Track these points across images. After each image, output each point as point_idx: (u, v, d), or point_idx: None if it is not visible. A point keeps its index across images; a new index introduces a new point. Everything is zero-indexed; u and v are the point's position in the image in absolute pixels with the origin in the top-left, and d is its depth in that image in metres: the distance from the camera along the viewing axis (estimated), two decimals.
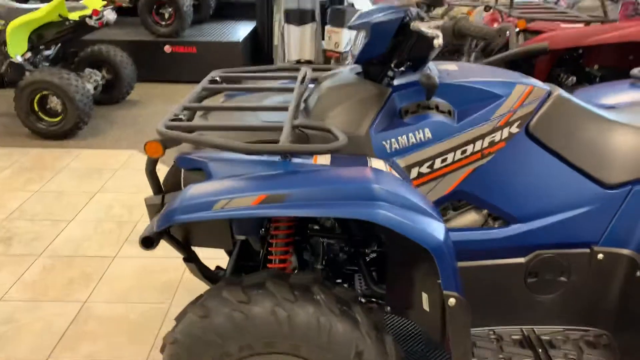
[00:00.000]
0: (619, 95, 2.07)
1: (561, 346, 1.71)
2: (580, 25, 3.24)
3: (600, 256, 1.68)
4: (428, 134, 1.58)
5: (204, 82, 1.94)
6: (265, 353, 1.41)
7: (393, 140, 1.57)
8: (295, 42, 6.96)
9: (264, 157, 1.45)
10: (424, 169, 1.60)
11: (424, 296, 1.64)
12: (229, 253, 2.15)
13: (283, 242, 1.71)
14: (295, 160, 1.44)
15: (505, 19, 3.76)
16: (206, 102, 1.90)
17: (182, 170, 1.53)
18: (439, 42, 1.40)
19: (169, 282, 2.70)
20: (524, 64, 3.20)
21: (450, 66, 1.75)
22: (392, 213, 1.28)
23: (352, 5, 6.96)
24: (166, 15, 6.37)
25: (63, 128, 4.53)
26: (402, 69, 1.69)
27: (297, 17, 6.86)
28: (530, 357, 1.67)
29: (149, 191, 3.36)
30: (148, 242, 1.43)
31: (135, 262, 2.85)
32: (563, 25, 3.29)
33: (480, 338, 1.73)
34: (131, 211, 3.38)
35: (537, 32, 3.23)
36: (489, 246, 1.68)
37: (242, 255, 2.02)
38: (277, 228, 1.72)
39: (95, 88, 5.06)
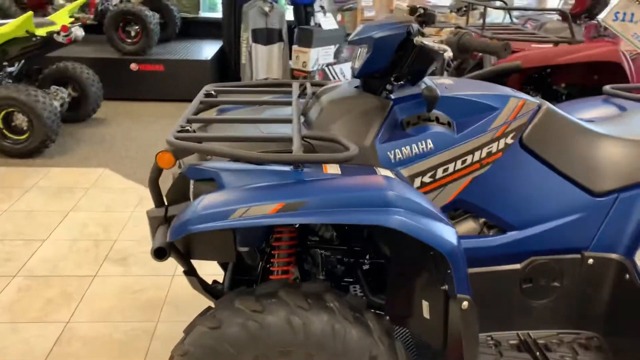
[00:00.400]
0: (595, 110, 2.18)
1: (556, 349, 1.77)
2: (550, 45, 3.40)
3: (590, 261, 1.75)
4: (430, 145, 1.64)
5: (200, 96, 1.95)
6: None
7: (397, 150, 1.61)
8: (262, 61, 7.01)
9: (276, 167, 1.46)
10: (427, 178, 1.64)
11: (424, 304, 1.68)
12: (224, 267, 2.14)
13: (286, 252, 1.72)
14: (306, 170, 1.46)
15: None
16: (202, 115, 1.91)
17: (192, 181, 1.51)
18: (449, 54, 1.46)
19: (153, 300, 2.64)
20: (497, 82, 3.33)
21: (447, 80, 1.82)
22: (408, 219, 1.31)
23: (319, 25, 7.08)
24: (132, 33, 6.31)
25: (29, 146, 4.40)
26: (401, 82, 1.75)
27: (265, 36, 6.92)
28: None
29: (123, 209, 3.35)
30: (161, 252, 1.42)
31: (116, 281, 2.79)
32: (533, 45, 3.45)
33: (480, 344, 1.77)
34: (107, 230, 3.30)
35: None
36: (487, 253, 1.73)
37: (234, 269, 2.01)
38: (279, 239, 1.73)
39: (61, 105, 4.95)
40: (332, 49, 7.32)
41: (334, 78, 7.61)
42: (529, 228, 1.74)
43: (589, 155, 1.77)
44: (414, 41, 1.58)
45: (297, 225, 1.74)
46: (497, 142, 1.69)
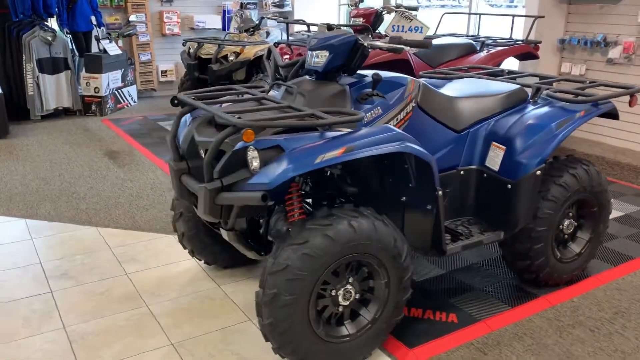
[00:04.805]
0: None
1: (457, 228, 2.86)
2: None
3: (462, 172, 2.89)
4: (379, 110, 2.55)
5: (192, 99, 2.48)
6: (349, 254, 2.16)
7: (365, 116, 2.48)
8: (51, 90, 6.90)
9: (313, 133, 2.18)
10: None
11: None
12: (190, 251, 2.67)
13: (297, 201, 2.43)
14: (332, 131, 2.22)
15: (295, 52, 4.90)
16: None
17: (256, 151, 2.11)
18: (401, 49, 2.39)
19: (126, 294, 2.94)
20: None
21: (368, 72, 2.74)
22: (411, 145, 2.22)
23: (105, 51, 7.26)
24: None
25: None
26: (345, 74, 2.62)
27: (51, 66, 6.82)
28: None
29: (17, 240, 3.61)
30: (265, 196, 2.02)
31: (76, 290, 2.96)
32: None
33: None
34: (23, 258, 3.31)
35: None
36: None
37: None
38: (291, 193, 2.43)
39: None
40: (119, 73, 7.57)
41: (124, 100, 7.83)
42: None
43: (450, 109, 2.90)
44: (366, 44, 2.47)
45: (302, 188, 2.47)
46: (409, 105, 2.69)
